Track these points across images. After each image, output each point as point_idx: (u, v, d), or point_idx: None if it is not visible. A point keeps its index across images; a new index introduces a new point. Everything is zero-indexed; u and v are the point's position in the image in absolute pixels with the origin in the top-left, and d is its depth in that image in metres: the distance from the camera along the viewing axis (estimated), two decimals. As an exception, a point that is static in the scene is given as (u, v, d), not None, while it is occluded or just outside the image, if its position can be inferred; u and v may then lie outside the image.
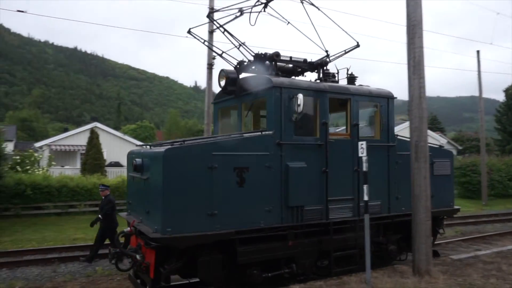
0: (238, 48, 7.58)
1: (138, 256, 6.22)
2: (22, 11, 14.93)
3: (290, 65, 7.95)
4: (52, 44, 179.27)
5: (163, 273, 6.06)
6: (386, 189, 7.93)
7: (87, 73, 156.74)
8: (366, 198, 6.77)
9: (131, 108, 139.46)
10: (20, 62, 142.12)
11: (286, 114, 6.80)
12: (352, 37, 8.74)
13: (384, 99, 8.01)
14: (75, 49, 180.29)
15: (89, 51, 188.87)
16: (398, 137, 8.31)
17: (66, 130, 36.16)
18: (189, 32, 7.84)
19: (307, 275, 7.14)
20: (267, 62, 7.44)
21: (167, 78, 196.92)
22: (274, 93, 6.75)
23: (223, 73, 7.53)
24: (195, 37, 7.80)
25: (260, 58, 7.53)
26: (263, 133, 6.76)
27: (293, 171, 6.74)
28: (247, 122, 8.23)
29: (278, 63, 7.64)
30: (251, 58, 7.69)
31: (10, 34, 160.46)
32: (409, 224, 8.10)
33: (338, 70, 8.62)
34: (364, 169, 6.80)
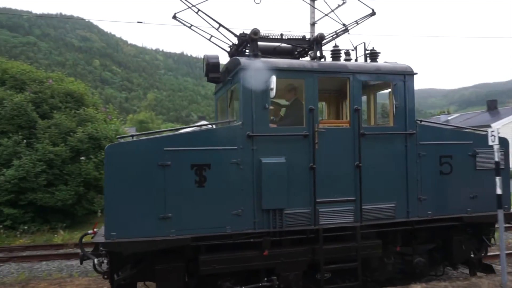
0: (217, 30, 6.72)
1: (95, 261, 5.85)
2: (141, 22, 19.16)
3: (286, 45, 6.87)
4: (162, 51, 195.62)
5: (115, 281, 5.59)
6: (402, 188, 6.37)
7: (193, 76, 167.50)
8: (499, 191, 6.13)
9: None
10: (136, 70, 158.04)
11: (258, 101, 5.80)
12: (365, 3, 7.27)
13: (398, 76, 6.43)
14: (181, 54, 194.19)
15: (194, 55, 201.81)
16: (423, 122, 6.65)
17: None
18: (174, 17, 7.19)
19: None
20: (249, 43, 6.45)
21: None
22: (244, 77, 5.79)
23: (204, 59, 6.78)
24: (181, 22, 7.13)
25: (242, 39, 6.59)
26: (231, 124, 5.86)
27: (267, 167, 5.71)
28: (234, 112, 7.38)
29: (270, 44, 6.66)
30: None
31: (128, 45, 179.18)
32: (447, 232, 6.63)
33: (355, 46, 7.28)
34: (496, 159, 6.14)
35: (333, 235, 6.03)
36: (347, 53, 7.14)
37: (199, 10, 6.52)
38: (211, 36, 7.04)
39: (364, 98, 7.62)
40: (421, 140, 6.45)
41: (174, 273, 5.62)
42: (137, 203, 5.34)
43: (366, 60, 7.37)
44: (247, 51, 6.74)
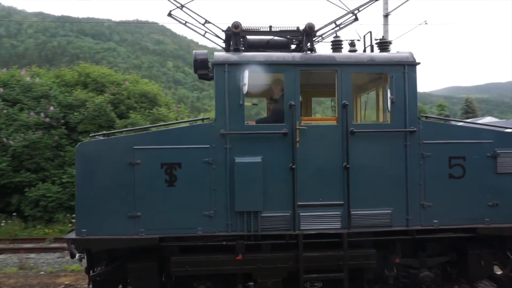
0: (203, 25, 6.47)
1: (76, 256, 5.93)
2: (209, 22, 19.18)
3: (280, 38, 6.43)
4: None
5: (90, 276, 5.62)
6: (401, 193, 5.63)
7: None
8: None
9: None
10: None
11: (232, 97, 5.48)
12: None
13: (397, 67, 5.70)
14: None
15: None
16: (428, 119, 5.84)
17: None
18: (169, 15, 7.08)
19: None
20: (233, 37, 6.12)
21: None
22: (217, 72, 5.52)
23: (193, 56, 6.59)
24: (175, 19, 7.02)
25: (227, 34, 6.29)
26: (204, 122, 5.61)
27: (241, 167, 5.37)
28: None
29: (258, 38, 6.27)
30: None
31: (199, 47, 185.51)
32: (462, 244, 5.86)
33: (365, 35, 6.65)
34: None
35: (323, 242, 5.52)
36: (352, 44, 6.54)
37: (182, 6, 6.32)
38: (205, 32, 6.84)
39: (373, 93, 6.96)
40: (425, 139, 5.66)
41: (147, 273, 5.51)
42: (107, 201, 5.32)
43: (372, 51, 6.71)
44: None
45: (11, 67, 16.76)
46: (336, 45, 6.21)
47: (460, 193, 5.68)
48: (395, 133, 5.62)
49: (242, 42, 6.28)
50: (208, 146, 5.42)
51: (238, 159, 5.38)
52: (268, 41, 6.39)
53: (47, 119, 14.32)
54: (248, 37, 6.28)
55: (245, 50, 6.16)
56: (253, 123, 5.85)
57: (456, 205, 5.68)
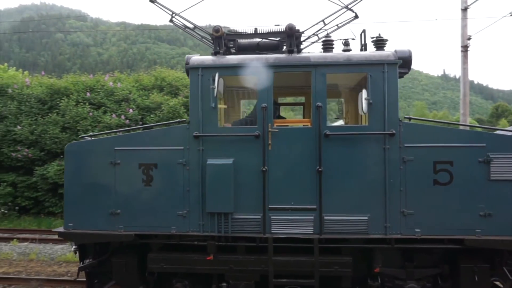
0: (193, 30, 6.64)
1: (72, 248, 6.44)
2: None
3: (270, 40, 6.41)
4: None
5: (79, 267, 6.09)
6: (379, 199, 5.33)
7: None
8: None
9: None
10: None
11: (205, 100, 5.60)
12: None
13: (375, 67, 5.40)
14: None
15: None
16: (411, 121, 5.46)
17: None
18: (170, 21, 7.28)
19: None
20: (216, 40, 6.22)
21: (411, 69, 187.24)
22: (191, 76, 5.68)
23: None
24: (176, 25, 7.22)
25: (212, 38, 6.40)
26: (180, 124, 5.79)
27: (212, 169, 5.47)
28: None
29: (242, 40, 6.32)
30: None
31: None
32: (454, 257, 5.51)
33: (361, 33, 6.45)
34: None
35: (302, 247, 5.42)
36: (346, 43, 6.33)
37: (175, 14, 6.52)
38: (202, 37, 7.00)
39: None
40: (407, 142, 5.31)
41: (127, 268, 5.85)
42: (91, 197, 5.74)
43: (365, 49, 6.46)
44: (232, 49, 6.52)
45: (96, 73, 18.30)
46: (327, 45, 6.06)
47: (446, 201, 5.24)
48: (373, 136, 5.35)
49: (232, 45, 6.39)
50: (182, 148, 5.60)
51: (209, 161, 5.49)
52: (258, 44, 6.42)
53: (127, 121, 15.38)
54: (240, 40, 6.37)
55: (236, 53, 6.26)
56: (229, 125, 5.92)
57: (442, 214, 5.25)
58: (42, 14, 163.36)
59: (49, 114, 15.36)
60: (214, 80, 5.44)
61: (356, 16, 6.44)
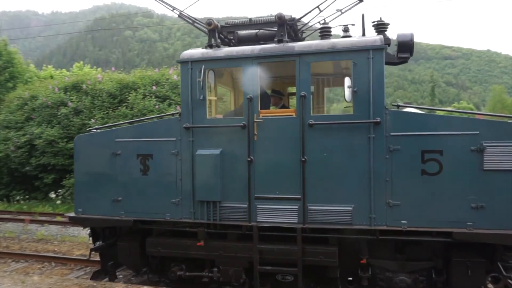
0: (193, 25, 6.82)
1: (87, 232, 7.03)
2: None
3: (269, 30, 6.44)
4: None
5: (90, 249, 6.66)
6: (364, 189, 5.21)
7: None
8: None
9: (446, 90, 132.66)
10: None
11: (195, 92, 5.81)
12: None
13: (361, 53, 5.22)
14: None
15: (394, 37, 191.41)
16: (398, 109, 5.23)
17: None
18: (179, 16, 7.37)
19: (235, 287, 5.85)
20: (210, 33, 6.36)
21: (488, 51, 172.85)
22: (182, 69, 5.91)
23: None
24: (184, 19, 7.29)
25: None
26: (173, 116, 6.06)
27: (200, 159, 5.70)
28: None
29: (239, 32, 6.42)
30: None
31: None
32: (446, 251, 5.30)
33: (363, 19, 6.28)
34: None
35: (289, 236, 5.51)
36: (346, 30, 6.21)
37: (173, 8, 6.74)
38: (194, 20, 7.04)
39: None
40: (393, 131, 5.12)
41: (131, 251, 6.31)
42: (97, 185, 6.25)
43: (364, 35, 6.26)
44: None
45: (161, 68, 19.10)
46: (324, 33, 5.98)
47: (435, 192, 4.99)
48: (358, 125, 5.22)
49: (232, 38, 6.52)
50: (174, 139, 5.88)
51: (198, 151, 5.72)
52: (256, 34, 6.48)
53: None
54: (239, 32, 6.48)
55: (236, 45, 6.39)
56: (220, 116, 6.09)
57: (430, 206, 5.01)
58: (113, 13, 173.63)
59: (119, 107, 15.99)
60: (200, 72, 5.62)
61: (361, 0, 6.26)
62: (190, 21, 7.06)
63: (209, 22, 6.12)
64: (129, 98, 16.03)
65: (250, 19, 6.33)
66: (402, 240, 5.25)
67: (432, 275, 5.39)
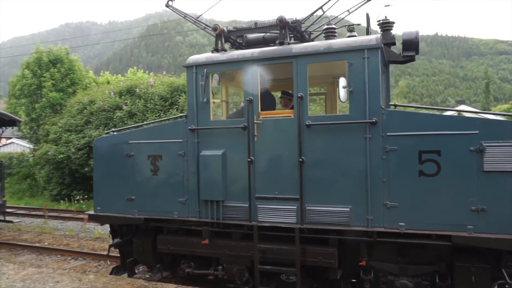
0: (194, 23, 7.05)
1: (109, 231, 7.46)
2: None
3: (274, 33, 6.54)
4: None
5: (109, 245, 7.09)
6: (361, 190, 5.15)
7: (449, 57, 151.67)
8: None
9: (502, 86, 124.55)
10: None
11: (199, 95, 6.03)
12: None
13: (356, 53, 5.18)
14: (435, 35, 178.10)
15: (449, 34, 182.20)
16: (396, 109, 5.11)
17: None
18: (167, 5, 7.29)
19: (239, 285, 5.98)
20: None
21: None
22: (188, 74, 6.15)
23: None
24: (174, 11, 7.16)
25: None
26: (181, 119, 6.31)
27: (204, 160, 5.91)
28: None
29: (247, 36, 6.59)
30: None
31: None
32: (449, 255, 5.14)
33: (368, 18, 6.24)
34: None
35: (291, 236, 5.58)
36: (351, 30, 6.21)
37: (169, 5, 6.92)
38: (197, 18, 7.17)
39: None
40: (390, 131, 5.03)
41: (144, 248, 6.65)
42: (113, 185, 6.67)
43: (368, 33, 6.20)
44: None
45: None
46: (329, 33, 6.01)
47: (433, 194, 4.85)
48: (354, 125, 5.18)
49: (241, 41, 6.70)
50: (181, 140, 6.14)
51: (202, 152, 5.94)
52: (263, 37, 6.62)
53: None
54: (248, 36, 6.65)
55: (246, 48, 6.56)
56: (224, 118, 6.26)
57: (428, 208, 4.87)
58: (164, 20, 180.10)
59: (170, 110, 16.46)
60: (203, 76, 5.84)
61: None
62: (202, 26, 7.34)
63: (215, 27, 6.33)
64: (179, 100, 16.51)
65: (256, 23, 6.49)
66: (403, 243, 5.14)
67: (436, 279, 5.22)
